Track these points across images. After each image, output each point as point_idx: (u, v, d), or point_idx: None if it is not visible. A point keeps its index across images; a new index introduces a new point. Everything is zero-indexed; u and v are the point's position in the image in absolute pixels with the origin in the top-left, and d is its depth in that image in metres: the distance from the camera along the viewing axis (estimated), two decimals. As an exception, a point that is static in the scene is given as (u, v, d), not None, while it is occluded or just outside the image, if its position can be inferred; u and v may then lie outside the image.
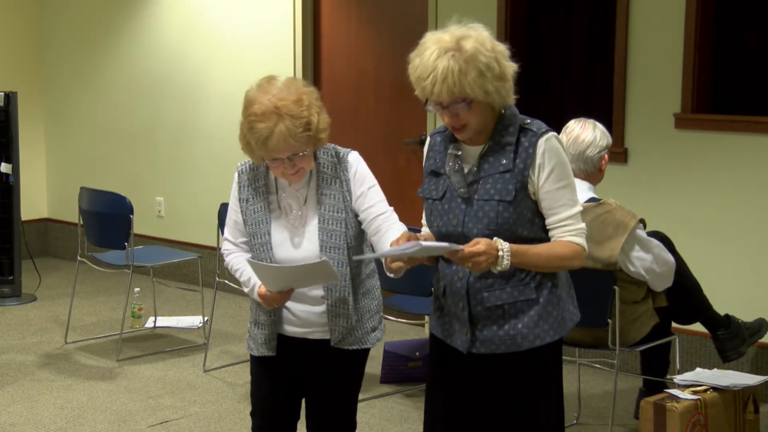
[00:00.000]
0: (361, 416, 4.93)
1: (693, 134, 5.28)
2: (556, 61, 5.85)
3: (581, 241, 2.94)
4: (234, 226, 3.38)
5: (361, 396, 5.19)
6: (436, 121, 6.08)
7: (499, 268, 2.80)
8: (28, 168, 7.90)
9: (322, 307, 3.27)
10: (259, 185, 3.31)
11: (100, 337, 6.22)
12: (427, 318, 5.99)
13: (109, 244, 5.95)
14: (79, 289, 6.96)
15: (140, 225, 7.19)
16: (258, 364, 3.43)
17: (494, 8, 5.78)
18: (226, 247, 3.42)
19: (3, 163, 6.91)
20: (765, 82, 5.24)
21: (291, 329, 3.32)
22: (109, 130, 7.97)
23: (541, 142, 2.88)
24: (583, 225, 2.96)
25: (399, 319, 5.46)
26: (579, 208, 2.96)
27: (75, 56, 8.10)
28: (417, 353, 5.41)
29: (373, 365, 5.64)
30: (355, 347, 3.32)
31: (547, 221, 2.94)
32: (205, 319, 6.18)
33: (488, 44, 2.85)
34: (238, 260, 3.36)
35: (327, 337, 3.30)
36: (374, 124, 6.61)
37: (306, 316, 3.29)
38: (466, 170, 2.94)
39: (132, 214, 5.77)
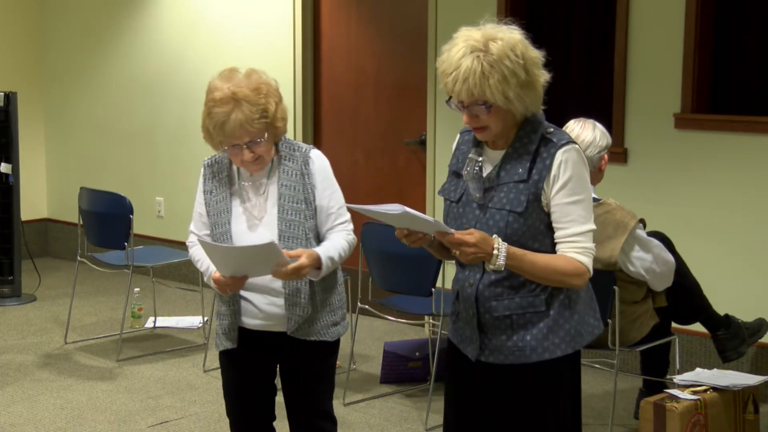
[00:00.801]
0: (361, 416, 4.96)
1: (693, 134, 5.28)
2: (556, 61, 5.83)
3: (586, 260, 2.83)
4: (198, 218, 3.43)
5: (361, 396, 5.24)
6: (436, 122, 6.07)
7: (492, 267, 2.75)
8: (28, 168, 7.89)
9: (283, 299, 3.30)
10: (222, 176, 3.37)
11: (100, 337, 6.22)
12: (427, 318, 5.99)
13: (109, 244, 5.94)
14: (79, 289, 6.96)
15: (140, 225, 7.19)
16: (225, 360, 3.46)
17: (494, 8, 5.78)
18: (190, 239, 3.46)
19: (3, 163, 6.91)
20: (765, 82, 5.24)
21: (253, 321, 3.35)
22: (109, 130, 7.97)
23: (559, 154, 2.80)
24: (592, 245, 2.85)
25: (399, 319, 5.45)
26: (591, 226, 2.85)
27: (75, 56, 8.10)
28: (417, 353, 5.40)
29: (373, 365, 5.65)
30: (313, 338, 3.33)
31: (555, 235, 2.84)
32: (205, 319, 6.18)
33: (518, 49, 2.77)
34: (200, 251, 3.38)
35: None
36: (374, 124, 6.61)
37: (267, 308, 3.31)
38: (485, 175, 2.88)
39: (132, 214, 5.77)
